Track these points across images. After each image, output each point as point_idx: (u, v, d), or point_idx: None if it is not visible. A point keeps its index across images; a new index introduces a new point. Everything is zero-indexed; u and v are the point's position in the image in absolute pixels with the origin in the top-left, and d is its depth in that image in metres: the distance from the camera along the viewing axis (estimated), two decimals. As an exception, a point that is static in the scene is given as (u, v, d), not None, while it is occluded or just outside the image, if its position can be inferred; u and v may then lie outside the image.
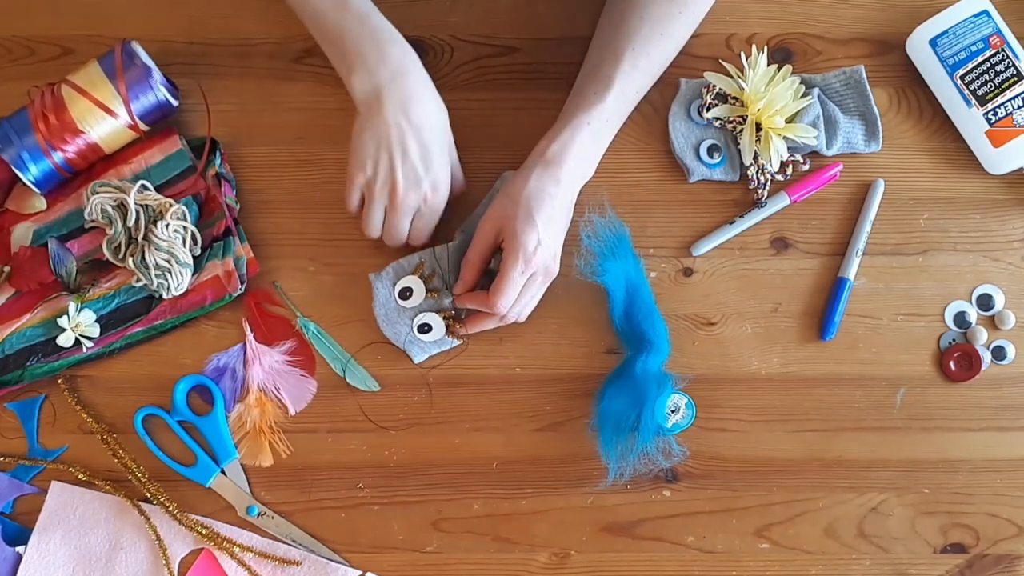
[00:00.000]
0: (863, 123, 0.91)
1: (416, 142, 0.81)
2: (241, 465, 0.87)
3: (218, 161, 0.89)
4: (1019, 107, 0.88)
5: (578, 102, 0.84)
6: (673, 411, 0.85)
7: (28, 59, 0.92)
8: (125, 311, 0.87)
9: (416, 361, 0.88)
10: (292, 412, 0.87)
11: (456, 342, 0.88)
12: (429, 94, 0.83)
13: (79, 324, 0.86)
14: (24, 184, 0.87)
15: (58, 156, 0.86)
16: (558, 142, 0.83)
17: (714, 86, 0.89)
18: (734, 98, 0.89)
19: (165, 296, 0.87)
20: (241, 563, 0.85)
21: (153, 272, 0.85)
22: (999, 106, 0.88)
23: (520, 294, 0.82)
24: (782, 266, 0.90)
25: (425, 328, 0.87)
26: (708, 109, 0.89)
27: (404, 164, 0.81)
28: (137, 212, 0.85)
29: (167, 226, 0.85)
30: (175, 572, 0.85)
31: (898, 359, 0.89)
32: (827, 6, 0.94)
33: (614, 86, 0.84)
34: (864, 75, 0.91)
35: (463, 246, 0.87)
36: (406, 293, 0.87)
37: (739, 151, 0.90)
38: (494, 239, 0.83)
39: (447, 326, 0.87)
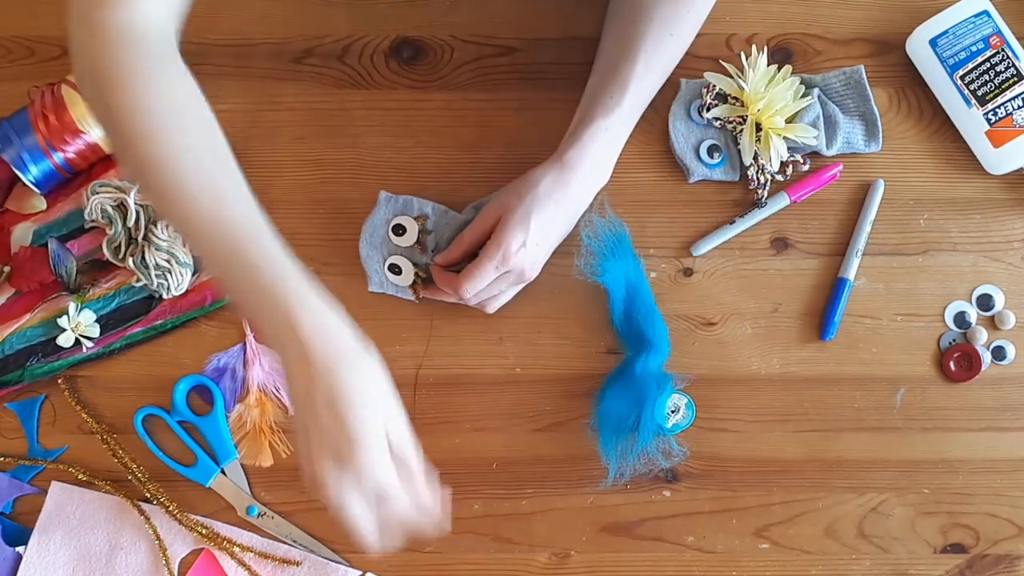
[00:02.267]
0: (863, 123, 0.91)
1: None
2: (241, 465, 0.87)
3: (218, 161, 0.89)
4: (1019, 107, 0.88)
5: (595, 106, 0.84)
6: (673, 411, 0.85)
7: (28, 59, 0.92)
8: (125, 311, 0.87)
9: (369, 289, 0.87)
10: (292, 412, 0.87)
11: (411, 297, 0.88)
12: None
13: (79, 324, 0.86)
14: (24, 184, 0.86)
15: (58, 156, 0.86)
16: (576, 147, 0.82)
17: (714, 86, 0.89)
18: (734, 98, 0.89)
19: (165, 296, 0.87)
20: (241, 563, 0.85)
21: (153, 272, 0.85)
22: (999, 106, 0.88)
23: (489, 286, 0.82)
24: (782, 266, 0.90)
25: (395, 269, 0.87)
26: (708, 109, 0.89)
27: None
28: (137, 212, 0.85)
29: (167, 226, 0.85)
30: (175, 572, 0.85)
31: (898, 359, 0.89)
32: (827, 6, 0.94)
33: (630, 89, 0.83)
34: (864, 75, 0.91)
35: (465, 223, 0.87)
36: (399, 229, 0.87)
37: (739, 151, 0.90)
38: (491, 226, 0.83)
39: (414, 280, 0.87)
